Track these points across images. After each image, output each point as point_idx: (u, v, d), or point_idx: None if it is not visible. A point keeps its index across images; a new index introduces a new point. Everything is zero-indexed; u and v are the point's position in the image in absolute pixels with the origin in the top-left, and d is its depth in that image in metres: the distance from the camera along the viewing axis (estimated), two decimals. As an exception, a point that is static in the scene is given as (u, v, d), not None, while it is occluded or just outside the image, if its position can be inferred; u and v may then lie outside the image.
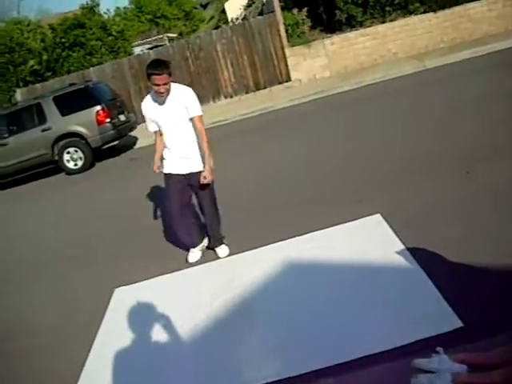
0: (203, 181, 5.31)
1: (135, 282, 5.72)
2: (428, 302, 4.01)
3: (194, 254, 5.86)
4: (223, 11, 32.98)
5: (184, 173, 5.50)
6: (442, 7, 16.96)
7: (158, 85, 5.02)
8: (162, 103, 5.27)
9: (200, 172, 5.38)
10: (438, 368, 3.05)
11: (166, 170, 5.61)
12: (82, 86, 14.38)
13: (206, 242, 5.96)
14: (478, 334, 3.43)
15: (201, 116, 5.35)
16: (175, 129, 5.34)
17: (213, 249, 5.90)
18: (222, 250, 5.84)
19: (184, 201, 5.63)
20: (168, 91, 5.15)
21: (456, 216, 5.32)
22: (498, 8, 16.99)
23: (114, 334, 4.80)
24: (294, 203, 6.82)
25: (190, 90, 5.36)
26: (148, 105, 5.42)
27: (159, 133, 5.57)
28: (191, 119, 5.30)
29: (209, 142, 5.37)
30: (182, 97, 5.25)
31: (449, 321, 3.70)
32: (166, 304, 5.01)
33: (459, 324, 3.64)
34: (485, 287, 4.02)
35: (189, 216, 5.80)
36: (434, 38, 17.21)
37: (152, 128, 5.58)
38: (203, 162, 5.39)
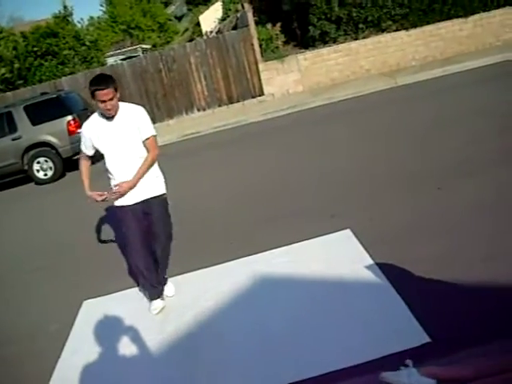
0: (117, 189, 4.88)
1: (104, 295, 5.67)
2: (396, 318, 4.05)
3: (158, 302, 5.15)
4: (198, 24, 33.03)
5: (139, 200, 4.94)
6: (414, 26, 17.23)
7: (104, 101, 4.53)
8: (108, 124, 4.74)
9: (160, 196, 5.02)
10: (406, 382, 3.08)
11: (118, 203, 5.02)
12: (54, 96, 14.25)
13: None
14: (445, 349, 3.47)
15: (155, 136, 4.94)
16: (125, 152, 4.79)
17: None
18: (169, 288, 5.35)
19: (144, 234, 5.05)
20: (116, 109, 4.67)
21: (426, 233, 5.39)
22: (468, 28, 17.32)
23: (82, 345, 4.75)
24: (265, 218, 6.83)
25: (141, 108, 4.89)
26: (91, 125, 4.86)
27: (87, 158, 5.22)
28: (145, 140, 4.82)
29: (150, 166, 4.93)
30: (133, 116, 4.76)
31: (417, 336, 3.74)
32: (135, 317, 4.98)
33: (427, 339, 3.69)
34: (453, 303, 4.08)
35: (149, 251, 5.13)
36: (405, 56, 17.47)
37: (89, 151, 5.06)
38: (163, 184, 5.11)
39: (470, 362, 3.03)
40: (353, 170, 8.13)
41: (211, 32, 26.08)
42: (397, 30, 17.34)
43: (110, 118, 4.71)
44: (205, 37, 25.12)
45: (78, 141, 13.25)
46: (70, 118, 13.56)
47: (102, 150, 4.90)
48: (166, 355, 4.32)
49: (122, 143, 4.76)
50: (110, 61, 27.90)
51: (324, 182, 7.81)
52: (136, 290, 5.61)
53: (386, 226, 5.76)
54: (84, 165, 5.31)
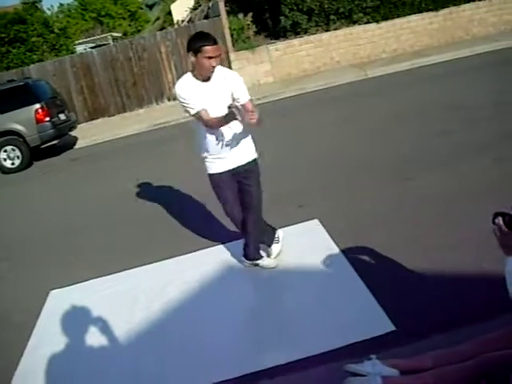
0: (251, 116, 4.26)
1: (71, 285, 5.62)
2: (362, 306, 4.10)
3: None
4: (169, 13, 32.82)
5: (236, 165, 4.71)
6: (385, 18, 17.34)
7: (211, 57, 4.26)
8: (203, 86, 4.46)
9: (255, 160, 4.80)
10: (369, 372, 3.12)
11: (214, 170, 4.76)
12: (22, 83, 14.00)
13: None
14: (410, 337, 3.52)
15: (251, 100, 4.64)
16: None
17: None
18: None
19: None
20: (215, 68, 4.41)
21: (393, 222, 5.46)
22: (438, 21, 17.50)
23: (48, 336, 4.70)
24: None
25: (237, 74, 4.66)
26: (187, 86, 4.48)
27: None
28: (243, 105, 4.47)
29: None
30: (228, 80, 4.49)
31: (382, 325, 3.79)
32: (102, 307, 4.95)
33: (392, 328, 3.73)
34: (418, 292, 4.14)
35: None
36: (376, 48, 17.58)
37: (199, 106, 4.45)
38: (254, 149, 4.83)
39: (430, 352, 3.10)
40: (320, 160, 8.18)
41: (182, 21, 25.91)
42: (368, 22, 17.44)
43: (204, 80, 4.44)
44: (176, 26, 24.95)
45: (46, 129, 13.36)
46: (38, 106, 13.34)
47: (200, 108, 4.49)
48: (134, 344, 4.30)
49: (217, 107, 4.44)
50: (80, 49, 27.55)
51: (292, 173, 7.83)
52: (104, 279, 5.57)
53: (353, 216, 5.82)
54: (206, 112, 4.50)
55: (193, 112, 4.51)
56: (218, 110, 4.43)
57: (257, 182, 4.83)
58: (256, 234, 4.96)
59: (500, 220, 2.44)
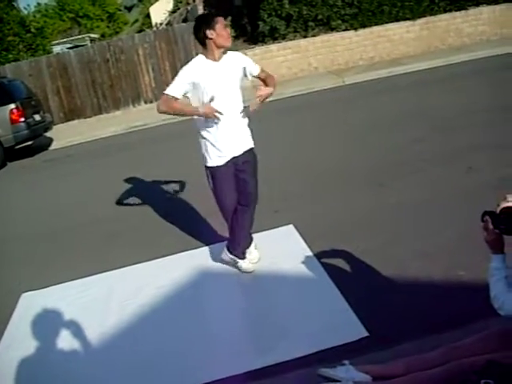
0: (260, 93, 4.65)
1: (43, 287, 5.56)
2: (335, 312, 4.12)
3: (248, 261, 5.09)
4: (148, 15, 32.73)
5: (238, 154, 4.73)
6: (363, 26, 17.49)
7: (226, 25, 4.56)
8: (215, 66, 4.51)
9: (253, 149, 4.88)
10: (342, 377, 3.15)
11: (215, 163, 4.70)
12: (-4, 83, 13.88)
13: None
14: (383, 343, 3.54)
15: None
16: (232, 96, 4.62)
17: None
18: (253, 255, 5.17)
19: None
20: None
21: (367, 229, 5.50)
22: (415, 30, 17.70)
23: (18, 339, 4.63)
24: (208, 212, 6.80)
25: (240, 53, 4.82)
26: (195, 69, 4.52)
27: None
28: (258, 74, 4.78)
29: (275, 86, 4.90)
30: (236, 59, 4.64)
31: (355, 330, 3.81)
32: (74, 310, 4.90)
33: (365, 334, 3.76)
34: (392, 299, 4.17)
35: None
36: (353, 56, 17.71)
37: (178, 95, 4.52)
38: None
39: (403, 358, 3.13)
40: (296, 166, 8.22)
41: (161, 24, 25.87)
42: (346, 29, 17.57)
43: (216, 60, 4.52)
44: (154, 28, 24.88)
45: (21, 130, 13.21)
46: (12, 106, 13.21)
47: (210, 93, 4.45)
48: (106, 348, 4.27)
49: (230, 86, 4.61)
50: (57, 49, 27.36)
51: (267, 178, 7.81)
52: (78, 282, 5.52)
53: (328, 222, 5.84)
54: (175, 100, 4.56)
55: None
56: (229, 88, 4.59)
57: (254, 172, 4.89)
58: (248, 230, 4.98)
59: (488, 219, 2.54)
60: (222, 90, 4.51)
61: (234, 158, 4.70)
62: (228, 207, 4.86)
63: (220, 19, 4.48)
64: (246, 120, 4.82)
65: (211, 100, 4.45)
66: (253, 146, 4.88)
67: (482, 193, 5.50)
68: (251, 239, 5.10)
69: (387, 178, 6.84)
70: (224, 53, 4.57)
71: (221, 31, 4.42)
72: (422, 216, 5.55)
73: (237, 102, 4.69)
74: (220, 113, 4.44)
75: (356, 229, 5.55)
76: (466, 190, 5.95)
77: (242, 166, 4.74)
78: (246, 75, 4.73)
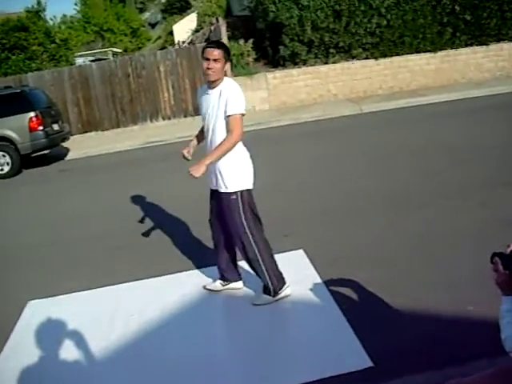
0: (191, 171, 4.31)
1: (50, 296, 5.57)
2: (341, 341, 4.09)
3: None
4: (171, 33, 33.06)
5: (211, 188, 4.78)
6: (384, 56, 17.56)
7: (208, 59, 4.38)
8: (208, 92, 4.56)
9: (225, 193, 4.59)
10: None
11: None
12: (18, 91, 14.04)
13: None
14: (387, 375, 3.52)
15: (242, 115, 4.45)
16: (213, 126, 4.54)
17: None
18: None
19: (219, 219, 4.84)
20: (215, 76, 4.43)
21: (378, 258, 5.47)
22: (435, 62, 17.74)
23: (21, 347, 4.64)
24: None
25: (235, 84, 4.57)
26: (200, 90, 4.83)
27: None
28: (227, 117, 4.41)
29: (235, 142, 4.42)
30: (225, 90, 4.46)
31: (360, 360, 3.78)
32: (80, 321, 4.90)
33: (369, 364, 3.72)
34: (398, 330, 4.14)
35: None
36: (373, 84, 17.75)
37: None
38: (232, 181, 4.56)
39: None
40: (309, 190, 8.23)
41: (183, 42, 26.10)
42: (366, 58, 17.64)
43: (210, 87, 4.53)
44: (177, 46, 25.12)
45: (39, 138, 13.33)
46: (32, 114, 13.37)
47: (202, 118, 4.74)
48: (110, 362, 4.26)
49: (213, 116, 4.51)
50: (79, 61, 27.68)
51: (279, 201, 7.85)
52: (85, 293, 5.53)
53: (338, 249, 5.82)
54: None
55: None
56: (213, 119, 4.51)
57: (230, 216, 4.64)
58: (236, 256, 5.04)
59: (498, 260, 2.52)
60: (208, 119, 4.58)
61: (211, 190, 4.82)
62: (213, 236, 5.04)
63: (206, 50, 4.44)
64: (228, 159, 4.51)
65: (203, 127, 4.76)
66: (224, 190, 4.59)
67: (494, 229, 5.49)
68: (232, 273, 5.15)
69: (402, 207, 6.82)
70: (210, 76, 4.46)
71: (203, 63, 4.47)
72: (434, 248, 5.51)
73: (218, 135, 4.51)
74: (186, 158, 4.74)
75: (367, 257, 5.52)
76: (479, 225, 5.92)
77: (217, 202, 4.77)
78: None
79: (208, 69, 4.41)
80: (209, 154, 4.43)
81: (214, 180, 4.64)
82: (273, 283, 4.71)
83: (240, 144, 4.56)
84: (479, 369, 2.87)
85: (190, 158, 4.78)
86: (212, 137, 4.56)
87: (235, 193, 4.56)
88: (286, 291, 4.80)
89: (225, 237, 4.87)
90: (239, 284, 5.13)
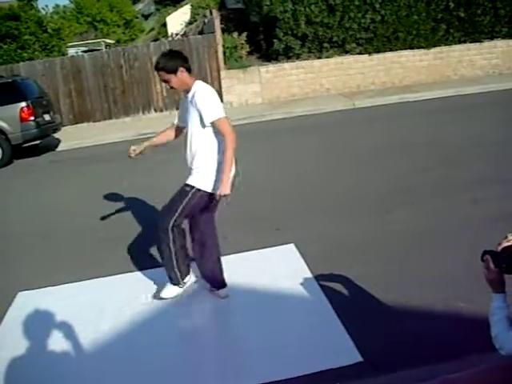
0: (220, 193, 4.33)
1: (40, 288, 5.54)
2: (331, 335, 4.09)
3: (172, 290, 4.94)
4: (164, 25, 32.88)
5: None
6: (377, 51, 17.56)
7: (162, 80, 4.55)
8: (184, 97, 4.66)
9: (187, 185, 4.58)
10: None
11: None
12: (9, 80, 13.95)
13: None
14: (376, 370, 3.52)
15: (224, 118, 4.39)
16: (189, 132, 4.58)
17: None
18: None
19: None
20: (180, 88, 4.53)
21: (369, 253, 5.48)
22: (428, 59, 17.76)
23: (11, 338, 4.62)
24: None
25: (201, 89, 4.46)
26: (181, 96, 4.87)
27: (173, 127, 5.06)
28: (212, 124, 4.38)
29: (232, 142, 4.34)
30: (194, 98, 4.40)
31: (349, 355, 3.78)
32: (70, 313, 4.88)
33: (359, 359, 3.73)
34: (388, 326, 4.14)
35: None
36: (366, 80, 17.76)
37: (176, 120, 5.00)
38: (214, 179, 4.50)
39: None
40: (301, 185, 8.22)
41: (177, 34, 25.96)
42: (360, 53, 17.64)
43: (185, 93, 4.60)
44: (170, 38, 25.01)
45: (30, 128, 13.24)
46: (23, 104, 13.30)
47: (179, 120, 4.93)
48: (98, 354, 4.24)
49: (190, 120, 4.53)
50: (72, 51, 27.51)
51: (271, 195, 7.84)
52: (75, 285, 5.51)
53: (329, 244, 5.83)
54: (165, 130, 5.22)
55: None
56: (190, 123, 4.54)
57: (172, 198, 4.66)
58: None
59: (489, 258, 2.54)
60: (187, 124, 4.62)
61: None
62: None
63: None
64: (201, 161, 4.54)
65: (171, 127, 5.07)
66: (189, 183, 4.57)
67: (485, 226, 5.50)
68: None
69: (392, 204, 6.82)
70: (189, 88, 4.51)
71: None
72: (426, 245, 5.53)
73: (195, 139, 4.53)
74: (129, 156, 4.96)
75: (358, 253, 5.53)
76: (470, 222, 5.93)
77: None
78: (202, 120, 4.43)
79: (169, 87, 4.56)
80: (222, 170, 4.36)
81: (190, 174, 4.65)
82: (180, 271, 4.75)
83: (216, 150, 4.51)
84: (469, 365, 2.87)
85: (133, 156, 4.96)
86: (190, 139, 4.56)
87: (191, 186, 4.55)
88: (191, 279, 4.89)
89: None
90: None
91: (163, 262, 4.80)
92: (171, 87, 4.51)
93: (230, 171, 4.40)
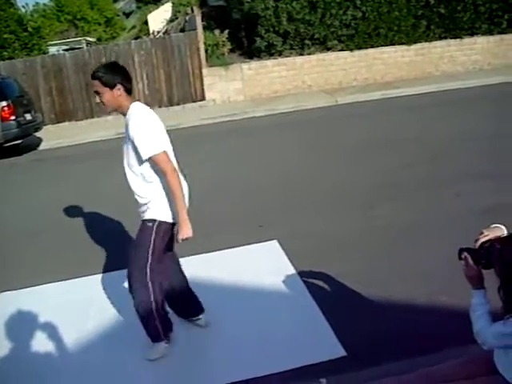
0: (181, 237, 3.88)
1: (23, 288, 5.51)
2: (315, 330, 4.12)
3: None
4: (146, 22, 32.72)
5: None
6: (359, 48, 17.60)
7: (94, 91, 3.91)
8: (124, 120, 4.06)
9: (145, 220, 4.01)
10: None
11: None
12: (-11, 79, 13.84)
13: None
14: (359, 364, 3.55)
15: (159, 154, 3.81)
16: (124, 160, 4.11)
17: None
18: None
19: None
20: (110, 107, 4.00)
21: (352, 249, 5.51)
22: (410, 55, 17.84)
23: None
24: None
25: (135, 120, 3.93)
26: None
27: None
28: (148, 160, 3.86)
29: (174, 182, 3.83)
30: (129, 127, 3.93)
31: (333, 350, 3.82)
32: (53, 313, 4.86)
33: (343, 353, 3.76)
34: (371, 320, 4.18)
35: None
36: (348, 76, 17.81)
37: None
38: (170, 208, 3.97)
39: (378, 379, 3.13)
40: (284, 181, 8.23)
41: (158, 32, 25.86)
42: (342, 49, 17.67)
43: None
44: (151, 36, 24.92)
45: (11, 128, 13.12)
46: (4, 103, 13.18)
47: None
48: (82, 354, 4.23)
49: (124, 152, 4.08)
50: (53, 50, 27.30)
51: (253, 192, 7.85)
52: (58, 284, 5.48)
53: (313, 240, 5.84)
54: None
55: None
56: (125, 153, 4.06)
57: (138, 242, 4.07)
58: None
59: (467, 255, 2.57)
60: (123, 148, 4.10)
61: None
62: None
63: None
64: (148, 192, 4.01)
65: None
66: (148, 217, 4.00)
67: (468, 220, 5.54)
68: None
69: (376, 200, 6.86)
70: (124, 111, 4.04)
71: None
72: (409, 240, 5.57)
73: (129, 165, 4.04)
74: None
75: (341, 249, 5.55)
76: (453, 216, 5.98)
77: None
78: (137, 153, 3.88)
79: (99, 100, 3.96)
80: (176, 209, 3.88)
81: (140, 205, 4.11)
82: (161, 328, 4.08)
83: (159, 178, 3.96)
84: (451, 358, 2.91)
85: None
86: (129, 170, 4.08)
87: (152, 220, 3.99)
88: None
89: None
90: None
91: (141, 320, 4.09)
92: (102, 102, 3.91)
93: (182, 207, 3.87)
